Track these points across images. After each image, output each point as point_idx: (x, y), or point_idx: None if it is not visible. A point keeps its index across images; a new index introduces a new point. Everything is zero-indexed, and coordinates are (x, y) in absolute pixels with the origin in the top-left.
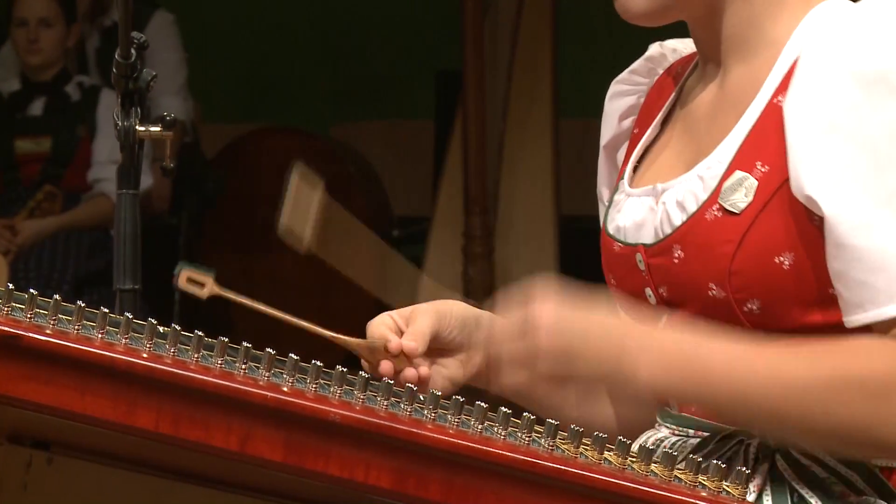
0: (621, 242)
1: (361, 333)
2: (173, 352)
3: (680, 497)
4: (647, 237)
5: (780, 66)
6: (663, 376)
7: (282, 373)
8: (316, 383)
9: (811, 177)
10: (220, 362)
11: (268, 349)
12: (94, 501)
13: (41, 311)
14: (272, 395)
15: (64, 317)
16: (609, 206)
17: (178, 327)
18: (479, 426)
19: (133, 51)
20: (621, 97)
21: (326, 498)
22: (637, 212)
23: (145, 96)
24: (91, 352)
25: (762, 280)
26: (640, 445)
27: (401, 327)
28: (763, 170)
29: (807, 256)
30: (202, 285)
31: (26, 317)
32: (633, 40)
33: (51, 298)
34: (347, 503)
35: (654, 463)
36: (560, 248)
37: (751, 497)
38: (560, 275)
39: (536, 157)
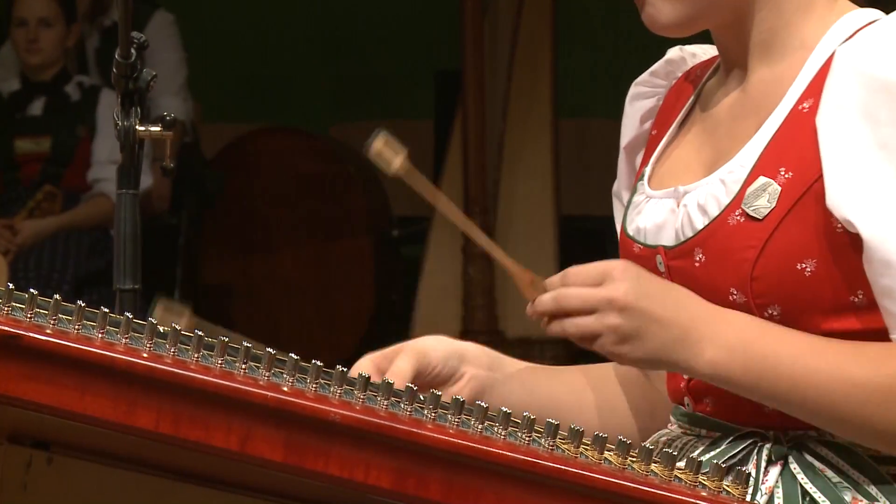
0: (641, 244)
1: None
2: (173, 352)
3: (680, 497)
4: (668, 239)
5: (807, 70)
6: (726, 361)
7: (282, 373)
8: (316, 383)
9: (848, 196)
10: (220, 362)
11: (268, 349)
12: (94, 501)
13: (41, 310)
14: (272, 394)
15: (64, 317)
16: (628, 208)
17: (178, 327)
18: (479, 426)
19: (133, 51)
20: (641, 99)
21: (326, 498)
22: (658, 213)
23: (145, 96)
24: (91, 352)
25: (784, 286)
26: (641, 445)
27: (381, 368)
28: (787, 176)
29: (829, 263)
30: (180, 317)
31: (26, 317)
32: (633, 41)
33: (51, 298)
34: (347, 503)
35: (654, 463)
36: (560, 247)
37: (762, 499)
38: None
39: (536, 157)
